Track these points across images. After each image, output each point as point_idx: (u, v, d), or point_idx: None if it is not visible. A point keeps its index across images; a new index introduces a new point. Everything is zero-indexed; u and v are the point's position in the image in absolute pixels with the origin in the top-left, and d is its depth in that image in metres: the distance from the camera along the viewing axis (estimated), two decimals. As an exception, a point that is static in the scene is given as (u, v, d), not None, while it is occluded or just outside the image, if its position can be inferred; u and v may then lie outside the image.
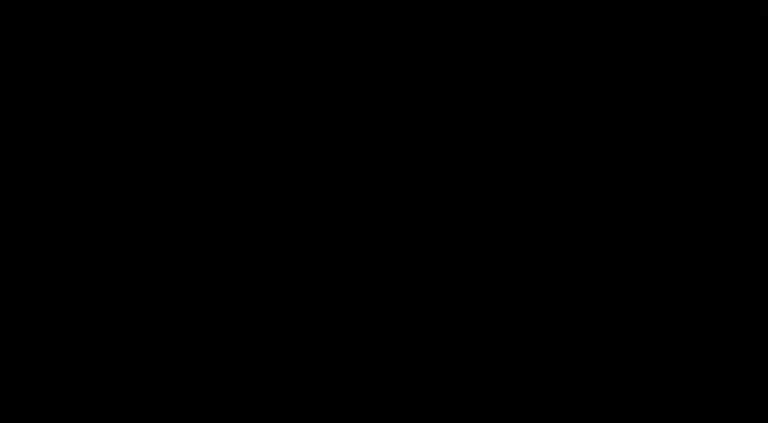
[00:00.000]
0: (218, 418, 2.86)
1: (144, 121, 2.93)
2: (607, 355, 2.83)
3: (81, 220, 2.91)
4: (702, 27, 2.84)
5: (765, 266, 2.80)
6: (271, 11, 2.92)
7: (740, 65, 2.83)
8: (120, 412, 2.86)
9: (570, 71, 2.88)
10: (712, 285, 2.82)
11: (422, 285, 2.88)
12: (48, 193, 2.92)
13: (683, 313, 2.82)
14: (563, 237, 2.86)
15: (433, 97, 2.91)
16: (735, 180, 2.83)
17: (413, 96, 2.91)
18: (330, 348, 2.88)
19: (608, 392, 2.81)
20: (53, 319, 2.89)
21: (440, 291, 2.87)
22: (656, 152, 2.86)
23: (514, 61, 2.89)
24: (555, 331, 2.84)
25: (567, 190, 2.87)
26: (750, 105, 2.83)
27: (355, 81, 2.92)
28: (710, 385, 2.79)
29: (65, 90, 2.94)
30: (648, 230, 2.85)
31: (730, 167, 2.84)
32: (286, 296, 2.90)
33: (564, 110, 2.88)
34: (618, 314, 2.84)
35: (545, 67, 2.88)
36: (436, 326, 2.87)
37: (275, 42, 2.92)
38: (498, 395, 2.83)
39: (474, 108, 2.91)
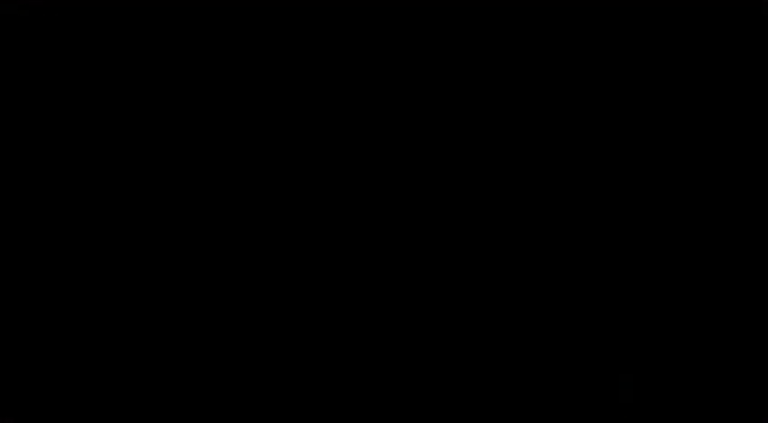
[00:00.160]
0: (218, 418, 2.86)
1: (144, 121, 2.93)
2: (607, 355, 2.83)
3: (81, 220, 2.91)
4: (702, 27, 2.84)
5: (765, 266, 2.80)
6: (271, 11, 2.92)
7: (740, 65, 2.83)
8: (120, 412, 2.86)
9: (570, 71, 2.88)
10: (712, 285, 2.82)
11: (422, 285, 2.88)
12: (48, 193, 2.92)
13: (683, 313, 2.82)
14: (563, 237, 2.86)
15: (433, 97, 2.91)
16: (735, 180, 2.83)
17: (413, 96, 2.91)
18: (330, 348, 2.88)
19: (608, 392, 2.81)
20: (53, 319, 2.89)
21: (440, 291, 2.87)
22: (656, 152, 2.86)
23: (514, 61, 2.89)
24: (555, 331, 2.84)
25: (566, 190, 2.87)
26: (750, 105, 2.83)
27: (355, 81, 2.92)
28: (710, 385, 2.79)
29: (65, 90, 2.94)
30: (648, 230, 2.85)
31: (730, 167, 2.84)
32: (286, 296, 2.90)
33: (564, 110, 2.88)
34: (618, 314, 2.84)
35: (545, 67, 2.88)
36: (436, 326, 2.87)
37: (275, 42, 2.92)
38: (498, 395, 2.83)
39: (474, 108, 2.91)
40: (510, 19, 2.88)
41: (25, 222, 2.92)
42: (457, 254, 2.88)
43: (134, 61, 2.93)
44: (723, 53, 2.84)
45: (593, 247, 2.86)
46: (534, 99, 2.89)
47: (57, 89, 2.94)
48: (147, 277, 2.90)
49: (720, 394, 2.78)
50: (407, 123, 2.91)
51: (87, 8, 2.92)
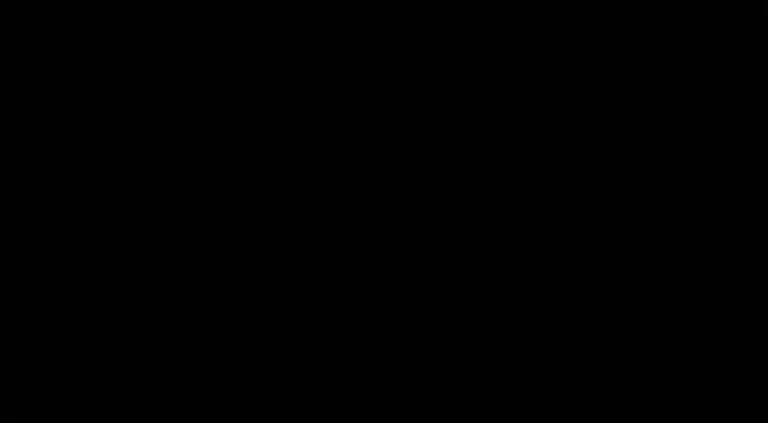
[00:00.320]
0: (218, 418, 2.86)
1: (144, 121, 2.93)
2: (607, 355, 2.83)
3: (81, 220, 2.91)
4: (702, 27, 2.84)
5: (765, 266, 2.80)
6: (271, 11, 2.92)
7: (740, 65, 2.83)
8: (120, 412, 2.86)
9: (570, 71, 2.88)
10: (712, 285, 2.82)
11: (421, 285, 2.88)
12: (48, 193, 2.92)
13: (683, 313, 2.82)
14: (563, 237, 2.86)
15: (433, 97, 2.91)
16: (735, 180, 2.83)
17: (413, 96, 2.91)
18: (330, 348, 2.88)
19: (608, 392, 2.81)
20: (53, 318, 2.89)
21: (439, 291, 2.87)
22: (656, 152, 2.86)
23: (515, 61, 2.89)
24: (555, 331, 2.84)
25: (566, 190, 2.87)
26: (750, 105, 2.83)
27: (355, 81, 2.92)
28: (710, 385, 2.79)
29: (65, 90, 2.94)
30: (648, 230, 2.85)
31: (730, 167, 2.84)
32: (286, 296, 2.90)
33: (564, 110, 2.88)
34: (618, 314, 2.84)
35: (545, 67, 2.88)
36: (436, 326, 2.87)
37: (275, 42, 2.92)
38: (498, 395, 2.83)
39: (474, 108, 2.91)
40: (510, 19, 2.88)
41: (25, 222, 2.92)
42: (457, 254, 2.88)
43: (134, 61, 2.93)
44: (723, 53, 2.84)
45: (593, 248, 2.86)
46: (534, 99, 2.89)
47: (57, 89, 2.94)
48: (148, 277, 2.90)
49: (720, 394, 2.78)
50: (407, 123, 2.91)
51: (87, 8, 2.92)
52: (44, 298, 2.90)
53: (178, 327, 2.89)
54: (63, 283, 2.90)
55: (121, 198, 2.92)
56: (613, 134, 2.87)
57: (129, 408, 2.87)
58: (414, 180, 2.90)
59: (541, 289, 2.86)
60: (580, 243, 2.86)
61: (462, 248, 2.88)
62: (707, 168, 2.84)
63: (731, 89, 2.84)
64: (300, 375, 2.88)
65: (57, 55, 2.93)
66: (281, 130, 2.93)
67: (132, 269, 2.90)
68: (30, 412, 2.86)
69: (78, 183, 2.92)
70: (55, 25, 2.93)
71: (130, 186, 2.92)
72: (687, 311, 2.82)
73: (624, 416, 2.80)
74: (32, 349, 2.88)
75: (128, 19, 2.92)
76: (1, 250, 2.91)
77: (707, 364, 2.80)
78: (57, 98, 2.94)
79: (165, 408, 2.86)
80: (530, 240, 2.87)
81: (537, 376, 2.83)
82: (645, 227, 2.85)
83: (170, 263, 2.90)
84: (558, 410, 2.82)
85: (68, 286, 2.90)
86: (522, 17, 2.88)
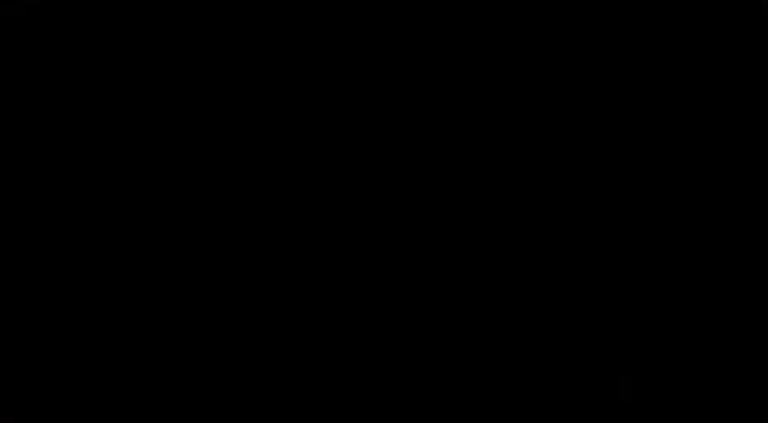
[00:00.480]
0: (218, 418, 2.86)
1: (144, 121, 2.93)
2: (607, 355, 2.83)
3: (81, 220, 2.91)
4: (702, 27, 2.84)
5: (765, 266, 2.80)
6: (271, 11, 2.92)
7: (740, 65, 2.83)
8: (120, 412, 2.86)
9: (570, 71, 2.88)
10: (712, 285, 2.82)
11: (421, 285, 2.88)
12: (48, 193, 2.92)
13: (683, 313, 2.82)
14: (563, 237, 2.86)
15: (433, 97, 2.91)
16: (735, 180, 2.83)
17: (413, 96, 2.91)
18: (330, 348, 2.88)
19: (608, 392, 2.81)
20: (53, 318, 2.89)
21: (439, 291, 2.87)
22: (655, 152, 2.86)
23: (515, 61, 2.89)
24: (555, 331, 2.84)
25: (566, 190, 2.87)
26: (750, 105, 2.83)
27: (355, 81, 2.92)
28: (710, 385, 2.79)
29: (65, 90, 2.94)
30: (648, 230, 2.85)
31: (730, 167, 2.84)
32: (286, 296, 2.90)
33: (564, 110, 2.88)
34: (618, 314, 2.84)
35: (545, 67, 2.88)
36: (436, 326, 2.87)
37: (275, 42, 2.92)
38: (498, 395, 2.83)
39: (474, 108, 2.91)
40: (510, 19, 2.88)
41: (25, 222, 2.92)
42: (457, 254, 2.88)
43: (134, 61, 2.93)
44: (723, 53, 2.84)
45: (593, 248, 2.86)
46: (534, 99, 2.89)
47: (57, 89, 2.94)
48: (147, 277, 2.90)
49: (720, 394, 2.78)
50: (407, 123, 2.91)
51: (87, 8, 2.92)
52: (44, 298, 2.90)
53: (178, 327, 2.89)
54: (63, 283, 2.90)
55: (121, 198, 2.92)
56: (613, 134, 2.87)
57: (129, 408, 2.87)
58: (414, 180, 2.90)
59: (541, 289, 2.86)
60: (580, 243, 2.86)
61: (462, 248, 2.88)
62: (707, 168, 2.84)
63: (731, 89, 2.84)
64: (300, 375, 2.88)
65: (57, 55, 2.93)
66: (281, 129, 2.93)
67: (132, 269, 2.90)
68: (30, 412, 2.86)
69: (78, 183, 2.92)
70: (55, 25, 2.93)
71: (130, 186, 2.92)
72: (687, 311, 2.82)
73: (624, 416, 2.80)
74: (32, 349, 2.88)
75: (128, 19, 2.92)
76: (1, 250, 2.91)
77: (707, 364, 2.80)
78: (57, 98, 2.94)
79: (166, 408, 2.86)
80: (529, 240, 2.87)
81: (537, 376, 2.83)
82: (645, 227, 2.85)
83: (170, 262, 2.90)
84: (558, 410, 2.82)
85: (68, 286, 2.90)
86: (523, 17, 2.88)
